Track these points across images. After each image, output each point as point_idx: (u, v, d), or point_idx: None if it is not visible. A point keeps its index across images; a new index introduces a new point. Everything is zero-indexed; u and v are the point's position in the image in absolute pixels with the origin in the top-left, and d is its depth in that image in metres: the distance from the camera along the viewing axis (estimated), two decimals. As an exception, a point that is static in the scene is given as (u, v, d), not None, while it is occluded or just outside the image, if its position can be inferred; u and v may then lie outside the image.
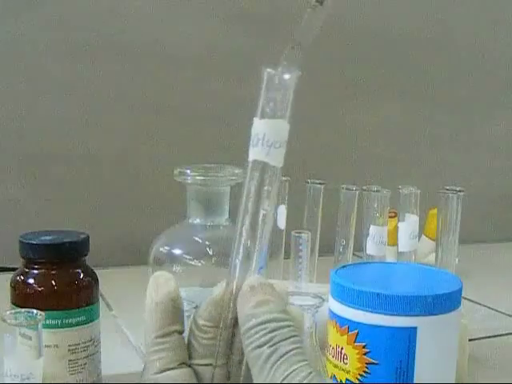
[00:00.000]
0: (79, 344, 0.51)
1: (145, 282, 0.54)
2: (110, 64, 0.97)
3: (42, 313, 0.43)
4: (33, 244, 0.51)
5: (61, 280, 0.51)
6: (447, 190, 0.59)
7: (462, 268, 0.80)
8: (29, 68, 0.94)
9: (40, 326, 0.43)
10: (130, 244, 0.95)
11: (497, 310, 0.83)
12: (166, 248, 0.53)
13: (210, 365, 0.34)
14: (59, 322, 0.50)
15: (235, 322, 0.33)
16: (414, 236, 0.60)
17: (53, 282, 0.51)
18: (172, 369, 0.33)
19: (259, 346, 0.31)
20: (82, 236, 0.53)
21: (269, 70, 0.33)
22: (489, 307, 0.84)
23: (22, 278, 0.51)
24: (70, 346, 0.51)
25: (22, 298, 0.51)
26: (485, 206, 1.23)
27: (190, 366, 0.34)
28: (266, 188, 0.34)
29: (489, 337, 0.73)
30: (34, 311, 0.43)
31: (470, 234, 0.92)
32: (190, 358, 0.34)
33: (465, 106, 1.23)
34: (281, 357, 0.31)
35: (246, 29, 1.02)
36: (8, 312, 0.43)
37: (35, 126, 0.95)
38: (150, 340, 0.33)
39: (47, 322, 0.48)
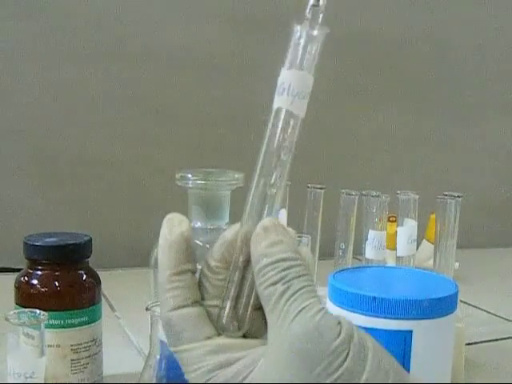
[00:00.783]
0: (81, 344, 0.52)
1: (147, 284, 0.55)
2: (113, 67, 0.98)
3: (45, 313, 0.44)
4: (37, 246, 0.52)
5: (64, 281, 0.52)
6: (445, 195, 0.60)
7: (462, 272, 0.80)
8: (32, 71, 0.95)
9: (43, 325, 0.43)
10: (133, 246, 0.96)
11: (495, 315, 0.83)
12: (168, 250, 0.53)
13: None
14: (62, 322, 0.51)
15: (246, 265, 0.34)
16: (412, 241, 0.61)
17: (56, 283, 0.51)
18: (186, 306, 0.33)
19: (273, 284, 0.32)
20: (85, 238, 0.54)
21: (298, 26, 0.34)
22: (487, 311, 0.84)
23: (26, 278, 0.52)
24: (72, 345, 0.51)
25: (26, 298, 0.51)
26: (485, 211, 1.23)
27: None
28: (286, 135, 0.34)
29: (487, 341, 0.73)
30: (37, 311, 0.44)
31: (469, 238, 0.92)
32: (202, 299, 0.34)
33: (464, 112, 1.23)
34: (294, 293, 0.31)
35: (248, 32, 1.03)
36: (12, 312, 0.44)
37: (39, 129, 0.96)
38: (165, 278, 0.33)
39: (50, 322, 0.49)
